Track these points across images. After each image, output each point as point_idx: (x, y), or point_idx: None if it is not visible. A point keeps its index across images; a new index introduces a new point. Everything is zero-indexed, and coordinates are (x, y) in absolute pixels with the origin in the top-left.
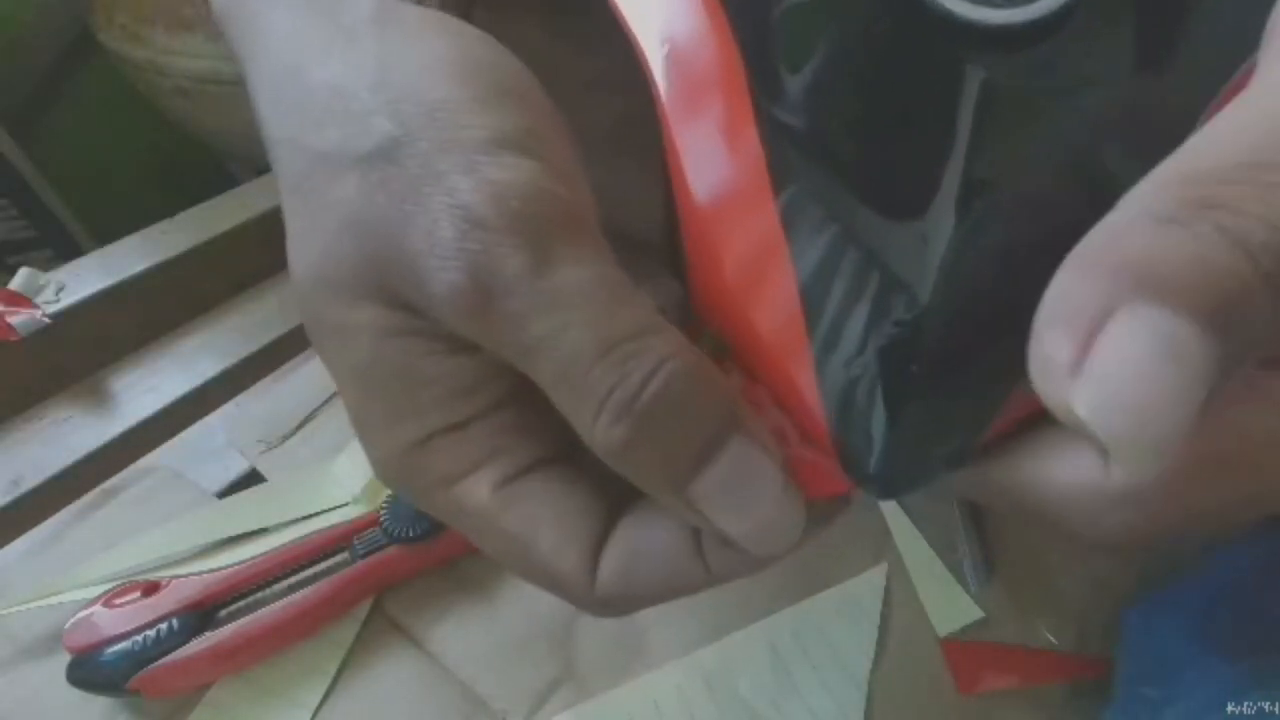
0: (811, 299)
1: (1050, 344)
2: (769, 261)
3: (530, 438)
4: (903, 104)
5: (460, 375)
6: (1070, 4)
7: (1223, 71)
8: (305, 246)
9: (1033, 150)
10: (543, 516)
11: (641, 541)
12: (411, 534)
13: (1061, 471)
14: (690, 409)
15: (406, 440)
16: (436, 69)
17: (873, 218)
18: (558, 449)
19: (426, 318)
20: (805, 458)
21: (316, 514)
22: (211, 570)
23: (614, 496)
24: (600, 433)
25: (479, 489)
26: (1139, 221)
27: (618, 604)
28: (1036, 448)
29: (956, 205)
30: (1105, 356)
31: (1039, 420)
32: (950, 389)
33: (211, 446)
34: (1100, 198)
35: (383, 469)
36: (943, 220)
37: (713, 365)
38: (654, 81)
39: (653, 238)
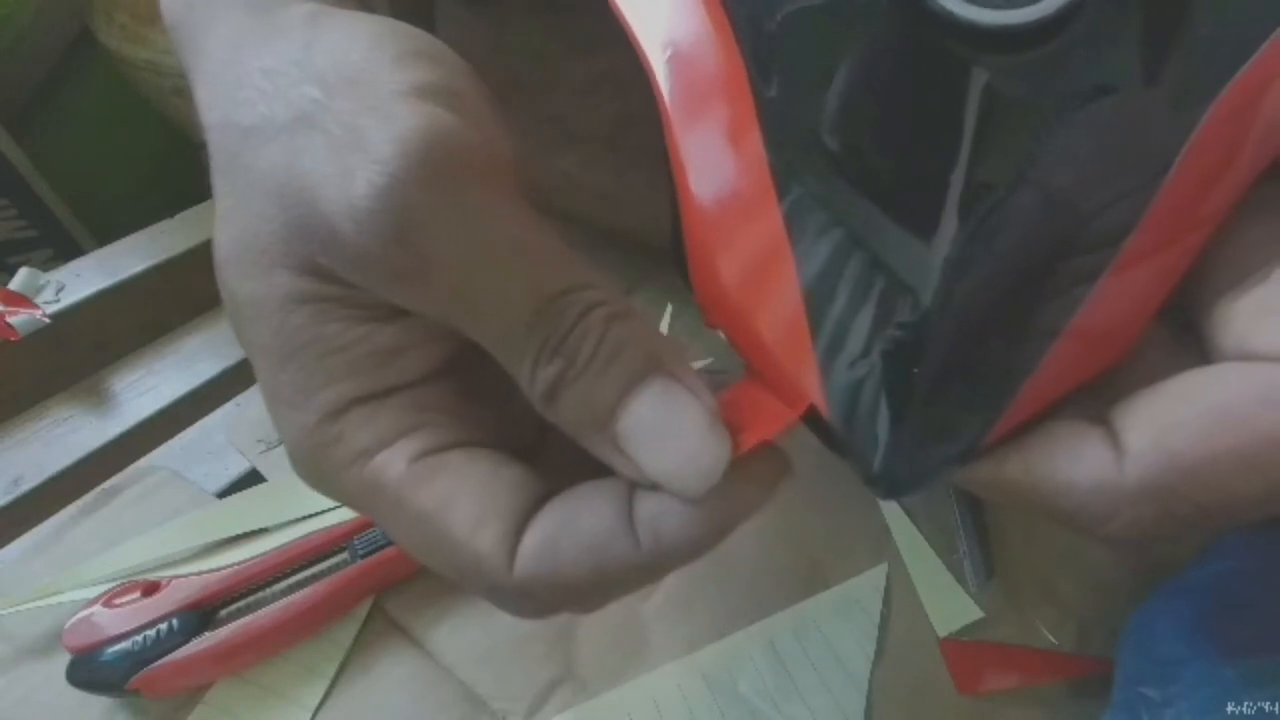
0: (815, 301)
1: None
2: (773, 263)
3: (458, 418)
4: (905, 106)
5: (377, 342)
6: (1073, 5)
7: (1223, 74)
8: (228, 225)
9: (1035, 153)
10: (460, 492)
11: (567, 517)
12: None
13: (1075, 468)
14: (616, 350)
15: (320, 411)
16: (357, 39)
17: (876, 220)
18: (491, 437)
19: (348, 284)
20: (748, 395)
21: (316, 514)
22: (211, 570)
23: (546, 486)
24: (534, 382)
25: (394, 463)
26: None
27: (539, 590)
28: (1048, 444)
29: (960, 207)
30: None
31: (1048, 417)
32: (955, 389)
33: (211, 446)
34: (1101, 200)
35: (295, 449)
36: (946, 222)
37: (637, 314)
38: (657, 84)
39: (652, 238)
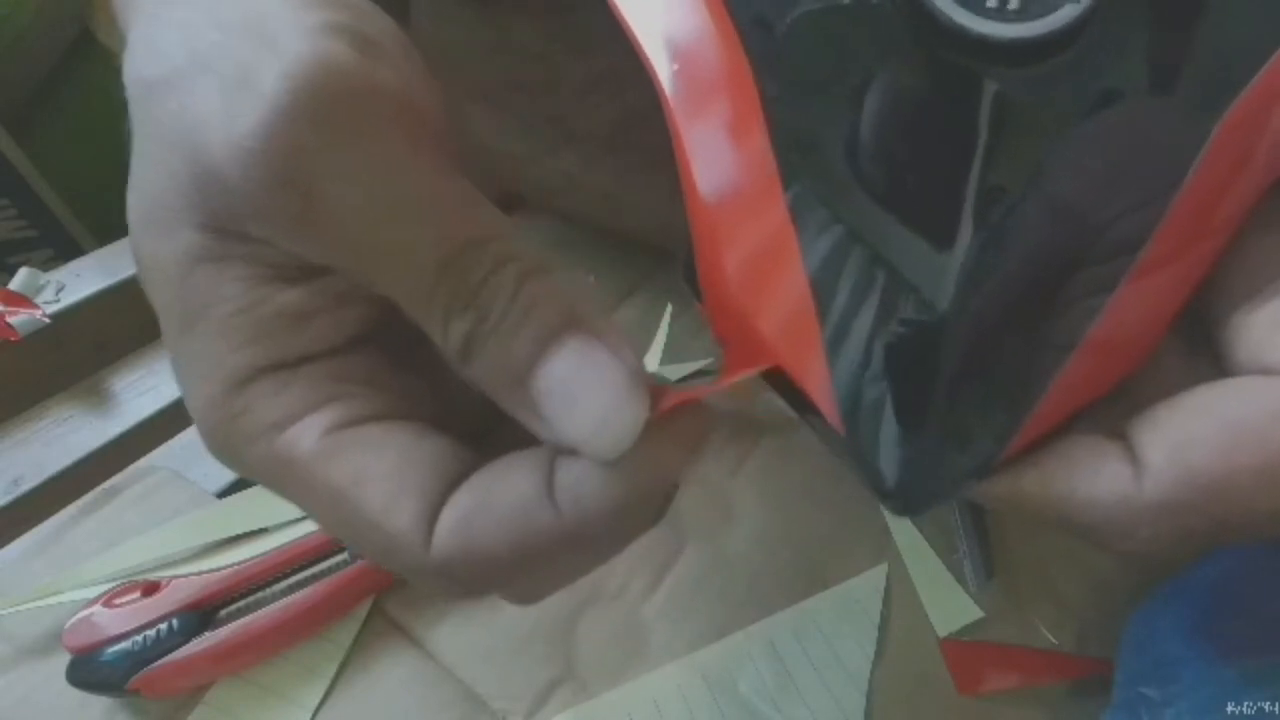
0: (827, 313)
1: None
2: (782, 272)
3: (381, 390)
4: (916, 116)
5: (284, 303)
6: (1083, 18)
7: (1235, 83)
8: (136, 184)
9: (1048, 163)
10: (375, 468)
11: (485, 490)
12: None
13: (1093, 484)
14: (529, 305)
15: (225, 381)
16: None
17: (887, 228)
18: (426, 413)
19: (250, 239)
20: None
21: None
22: (211, 570)
23: (472, 460)
24: (448, 337)
25: (305, 437)
26: None
27: (459, 569)
28: (1066, 459)
29: (974, 217)
30: None
31: (1064, 430)
32: (970, 401)
33: None
34: (1116, 210)
35: (201, 421)
36: (961, 232)
37: (554, 270)
38: (661, 86)
39: (652, 238)
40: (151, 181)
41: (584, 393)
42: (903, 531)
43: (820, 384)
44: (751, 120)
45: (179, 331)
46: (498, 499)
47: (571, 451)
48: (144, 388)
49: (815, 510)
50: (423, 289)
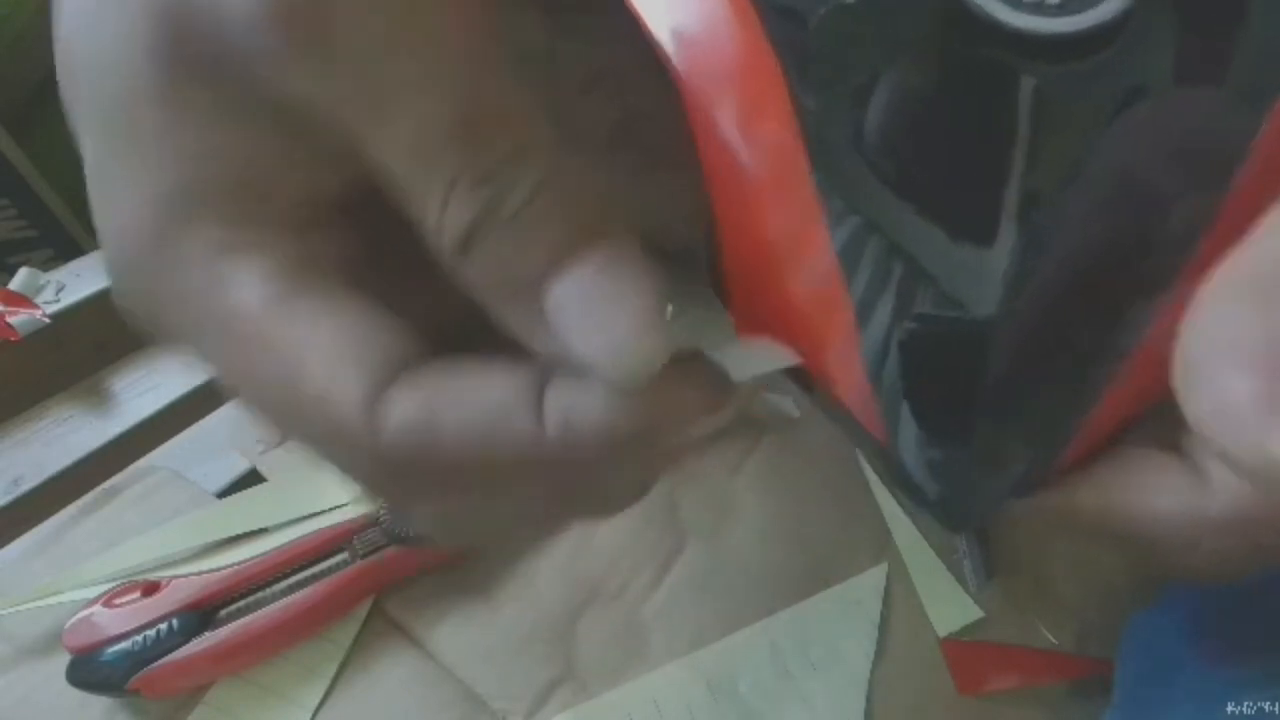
0: (866, 324)
1: (1231, 386)
2: (815, 274)
3: (338, 268)
4: (951, 114)
5: (254, 152)
6: (1124, 14)
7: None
8: (83, 29)
9: (1093, 161)
10: (324, 333)
11: (457, 380)
12: (411, 534)
13: (1158, 497)
14: (556, 205)
15: (169, 195)
16: None
17: (923, 232)
18: (376, 289)
19: (225, 81)
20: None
21: (316, 514)
22: (211, 570)
23: (429, 356)
24: (448, 219)
25: (252, 281)
26: None
27: (411, 458)
28: (1124, 473)
29: (1017, 219)
30: None
31: (1117, 442)
32: (1018, 412)
33: (211, 446)
34: (1166, 207)
35: (122, 238)
36: (1003, 235)
37: (583, 179)
38: (681, 79)
39: (654, 238)
40: (107, 21)
41: (609, 311)
42: (903, 531)
43: (857, 391)
44: (779, 119)
45: (110, 140)
46: (472, 395)
47: (571, 373)
48: (144, 388)
49: (815, 510)
50: (427, 149)
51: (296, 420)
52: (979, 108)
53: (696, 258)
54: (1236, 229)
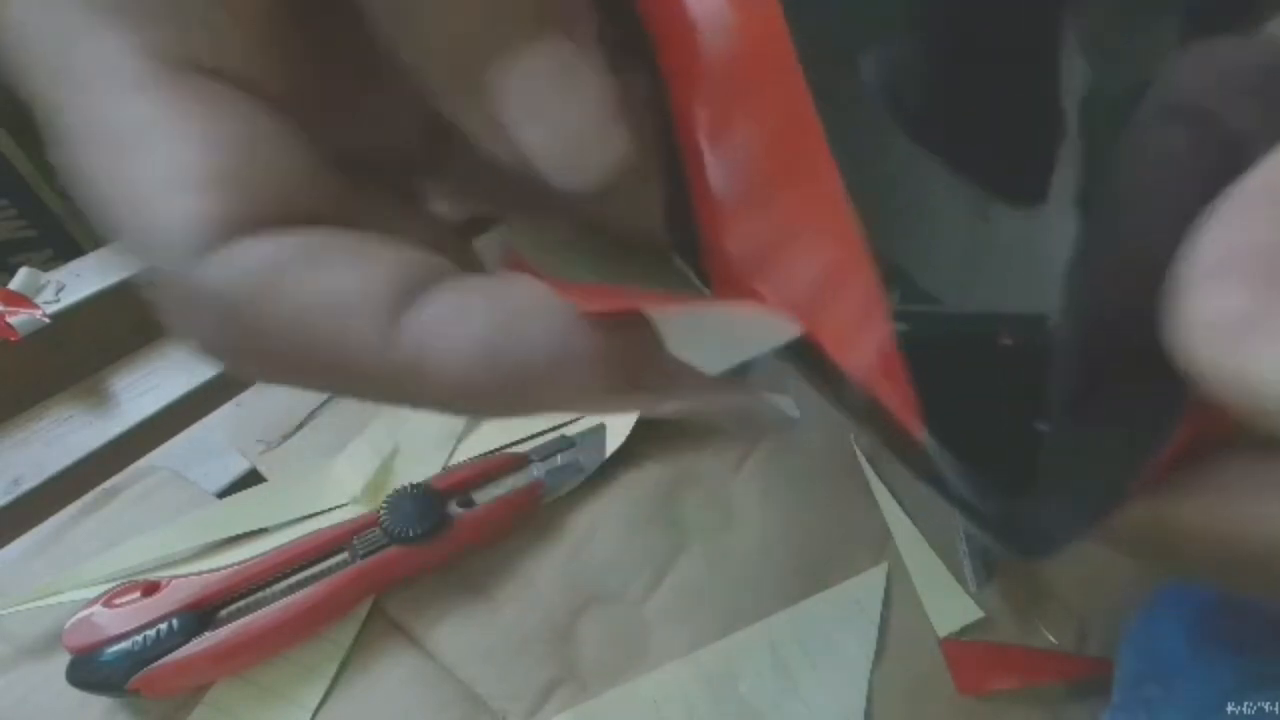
0: (902, 319)
1: (1218, 295)
2: (835, 253)
3: (260, 58)
4: (991, 71)
5: None
6: None
7: None
8: None
9: (1150, 119)
10: (211, 125)
11: (334, 236)
12: (411, 534)
13: (1273, 510)
14: None
15: None
16: None
17: (963, 206)
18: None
19: None
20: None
21: (316, 514)
22: (211, 570)
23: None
24: None
25: (136, 45)
26: None
27: (226, 307)
28: (1234, 483)
29: (1077, 193)
30: None
31: (1205, 450)
32: (1095, 416)
33: (211, 446)
34: (1237, 154)
35: None
36: (1060, 209)
37: None
38: (672, 69)
39: (650, 237)
40: None
41: (563, 100)
42: (903, 531)
43: (901, 397)
44: (783, 66)
45: None
46: (329, 265)
47: (520, 158)
48: (144, 388)
49: (815, 510)
50: None
51: (125, 219)
52: (1019, 59)
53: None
54: None
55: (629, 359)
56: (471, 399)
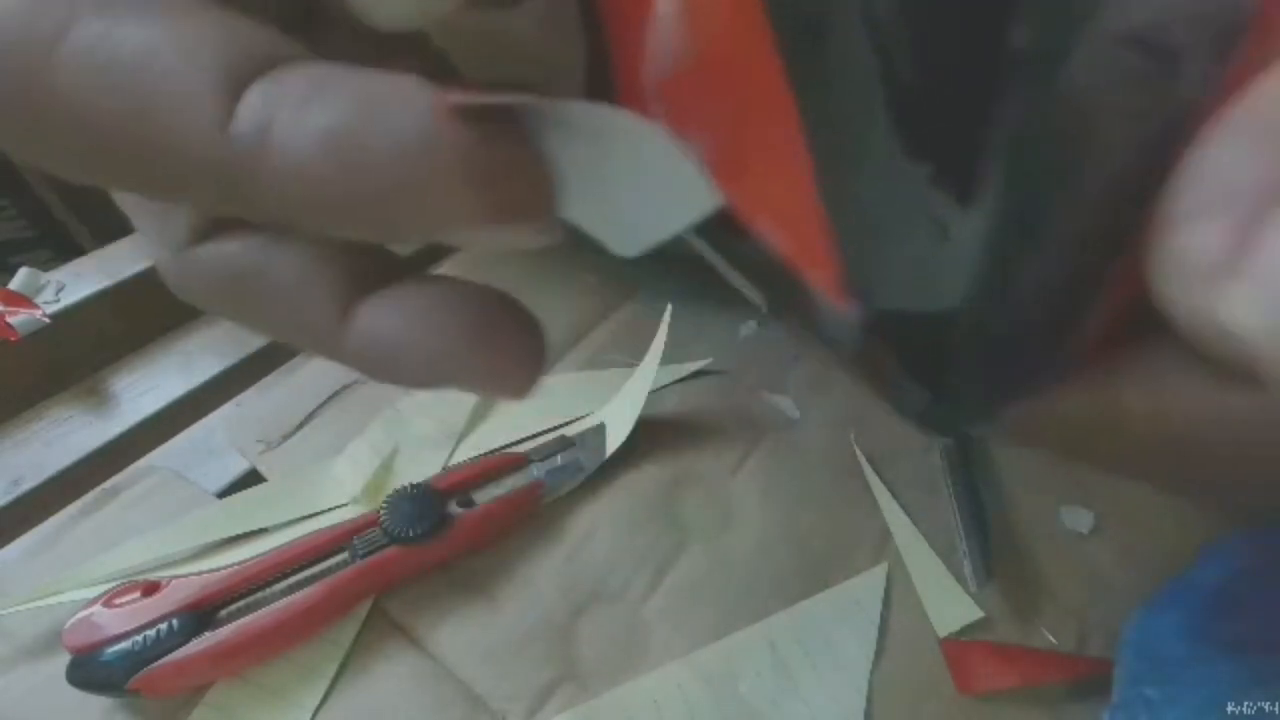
0: (830, 191)
1: (1193, 236)
2: (771, 124)
3: None
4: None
5: None
6: None
7: None
8: None
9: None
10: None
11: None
12: (411, 534)
13: (1229, 387)
14: None
15: None
16: None
17: (908, 80)
18: None
19: None
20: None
21: (316, 514)
22: (211, 570)
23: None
24: None
25: None
26: None
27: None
28: (1175, 361)
29: (1014, 63)
30: (1275, 249)
31: (1143, 331)
32: (1029, 288)
33: (211, 446)
34: (1171, 66)
35: None
36: (1001, 78)
37: None
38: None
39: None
40: None
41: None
42: (903, 531)
43: (800, 227)
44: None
45: None
46: (152, 28)
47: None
48: (144, 388)
49: (815, 510)
50: None
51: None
52: None
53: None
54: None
55: (495, 161)
56: (316, 200)
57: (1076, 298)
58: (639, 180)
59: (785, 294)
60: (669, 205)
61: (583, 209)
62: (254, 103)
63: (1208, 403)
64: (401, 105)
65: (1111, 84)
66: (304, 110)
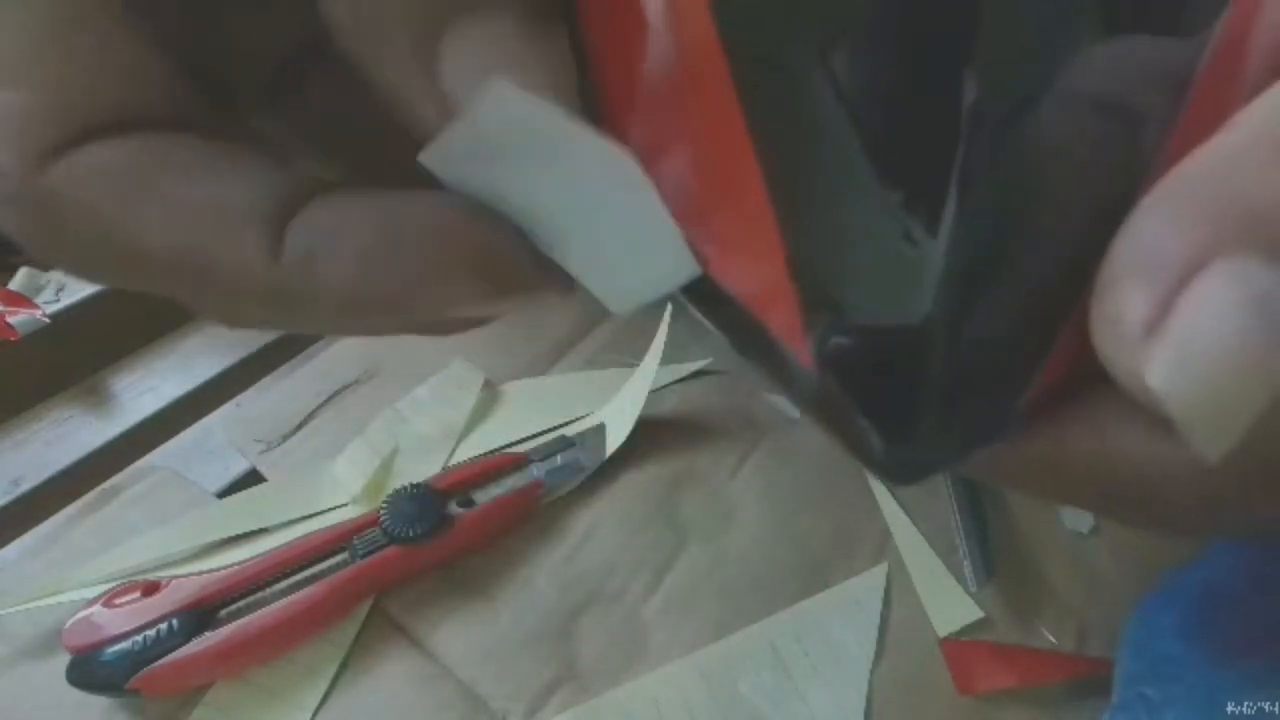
0: (795, 242)
1: (1123, 300)
2: (736, 179)
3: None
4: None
5: None
6: None
7: None
8: None
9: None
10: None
11: (208, 143)
12: (411, 534)
13: (1163, 436)
14: None
15: None
16: None
17: (859, 133)
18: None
19: None
20: None
21: (316, 514)
22: (211, 570)
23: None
24: None
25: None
26: (1257, 151)
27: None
28: (1118, 409)
29: (969, 122)
30: (1190, 318)
31: (1087, 381)
32: (982, 343)
33: (211, 446)
34: (1125, 126)
35: None
36: (956, 138)
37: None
38: None
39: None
40: None
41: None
42: (903, 531)
43: (769, 287)
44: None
45: None
46: (200, 175)
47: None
48: (144, 388)
49: (815, 510)
50: None
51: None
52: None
53: None
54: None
55: (501, 258)
56: (356, 308)
57: (1033, 343)
58: (629, 240)
59: (748, 337)
60: (655, 268)
61: (582, 266)
62: (299, 235)
63: (1144, 451)
64: (419, 221)
65: (1063, 140)
66: (342, 237)
